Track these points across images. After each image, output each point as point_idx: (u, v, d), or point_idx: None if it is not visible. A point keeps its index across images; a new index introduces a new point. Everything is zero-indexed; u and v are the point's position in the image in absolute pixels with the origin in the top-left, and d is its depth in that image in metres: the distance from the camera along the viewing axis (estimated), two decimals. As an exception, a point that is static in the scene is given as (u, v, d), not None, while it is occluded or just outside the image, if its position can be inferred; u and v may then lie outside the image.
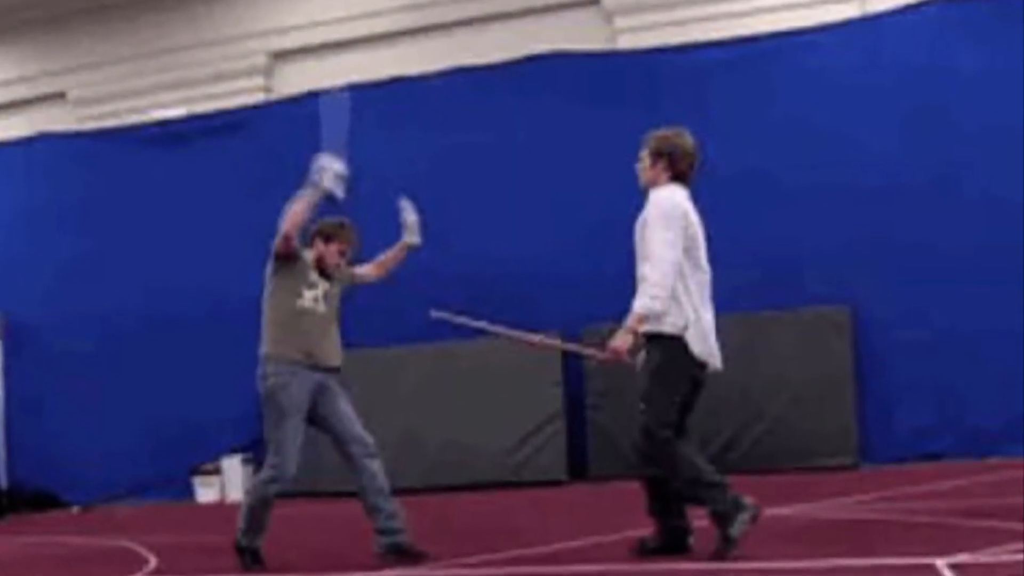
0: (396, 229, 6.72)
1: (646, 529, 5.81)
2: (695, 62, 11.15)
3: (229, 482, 11.95)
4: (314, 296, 6.27)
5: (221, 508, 11.25)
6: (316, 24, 13.36)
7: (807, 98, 10.79)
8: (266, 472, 6.18)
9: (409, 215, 6.70)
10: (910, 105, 10.49)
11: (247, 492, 6.70)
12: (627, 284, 5.68)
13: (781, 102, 10.88)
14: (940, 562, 4.82)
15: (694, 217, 5.63)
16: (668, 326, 5.48)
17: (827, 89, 10.75)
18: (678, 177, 5.69)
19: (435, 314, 6.62)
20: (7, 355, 13.04)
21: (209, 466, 12.10)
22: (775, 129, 10.79)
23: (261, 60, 13.57)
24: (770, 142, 10.75)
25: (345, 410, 6.24)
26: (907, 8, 10.75)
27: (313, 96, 10.19)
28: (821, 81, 10.79)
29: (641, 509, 5.76)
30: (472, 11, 12.73)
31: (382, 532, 6.14)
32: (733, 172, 10.16)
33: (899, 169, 10.42)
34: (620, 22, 12.20)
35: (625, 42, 12.06)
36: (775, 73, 10.97)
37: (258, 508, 6.21)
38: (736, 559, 5.25)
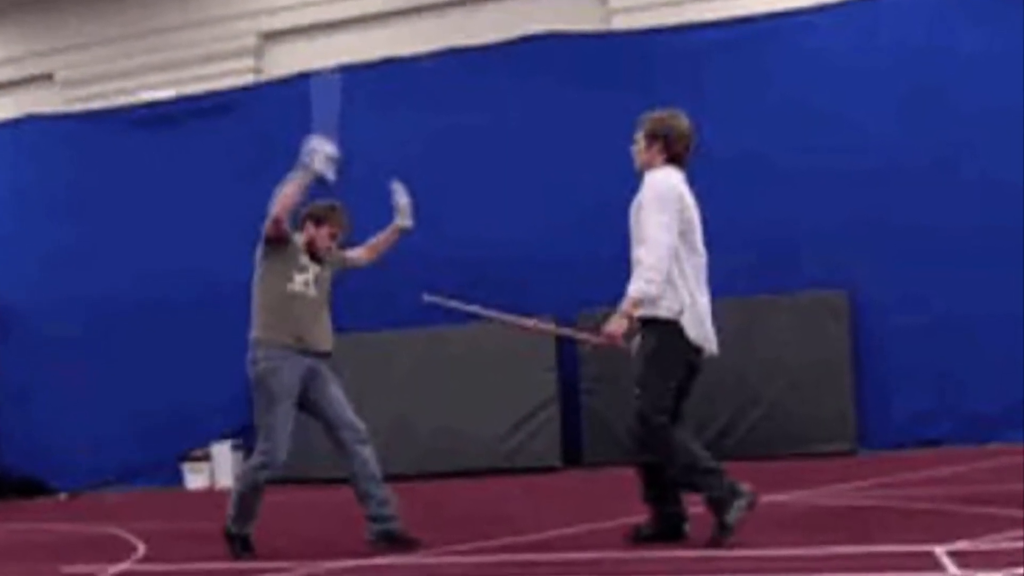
0: (388, 212, 6.67)
1: (641, 516, 5.78)
2: (691, 43, 11.06)
3: (219, 468, 11.88)
4: (305, 280, 6.23)
5: (211, 495, 11.20)
6: (307, 4, 13.25)
7: (804, 80, 10.71)
8: (256, 458, 6.14)
9: (401, 198, 6.66)
10: (908, 86, 10.42)
11: (237, 478, 6.67)
12: (622, 268, 5.62)
13: (778, 84, 10.80)
14: (939, 549, 4.80)
15: (690, 200, 5.58)
16: (663, 310, 5.43)
17: (824, 70, 10.67)
18: (673, 159, 5.64)
19: (427, 298, 6.59)
20: (-6, 340, 12.96)
21: (198, 452, 12.02)
22: (772, 111, 10.71)
23: (251, 41, 13.46)
24: (767, 124, 10.67)
25: (336, 395, 6.20)
26: (905, -12, 10.68)
27: (304, 77, 10.06)
28: (818, 62, 10.71)
29: (636, 496, 5.73)
30: (465, -9, 12.64)
31: (374, 519, 6.10)
32: (729, 154, 10.09)
33: (897, 151, 10.35)
34: (615, 2, 12.10)
35: (620, 23, 11.96)
36: (772, 54, 10.88)
37: (248, 494, 6.17)
38: (732, 546, 5.22)
